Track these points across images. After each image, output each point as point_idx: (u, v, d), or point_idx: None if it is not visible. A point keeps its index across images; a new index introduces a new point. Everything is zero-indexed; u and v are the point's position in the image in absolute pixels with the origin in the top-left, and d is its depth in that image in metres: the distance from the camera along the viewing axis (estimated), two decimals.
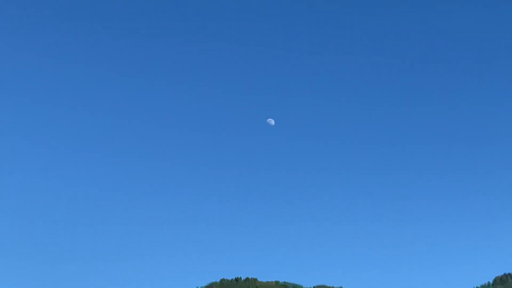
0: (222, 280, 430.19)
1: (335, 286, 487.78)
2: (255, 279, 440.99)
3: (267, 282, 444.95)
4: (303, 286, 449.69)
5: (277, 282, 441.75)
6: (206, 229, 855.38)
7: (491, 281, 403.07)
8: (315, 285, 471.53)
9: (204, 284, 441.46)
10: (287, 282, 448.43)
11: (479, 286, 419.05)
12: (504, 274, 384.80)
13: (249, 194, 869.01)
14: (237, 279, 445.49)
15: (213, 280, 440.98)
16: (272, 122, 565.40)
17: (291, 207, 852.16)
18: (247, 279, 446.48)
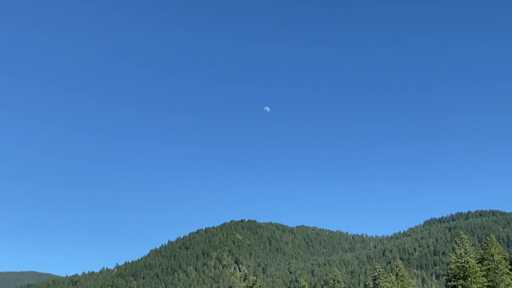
0: (232, 221, 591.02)
1: (311, 226, 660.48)
2: (255, 221, 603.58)
3: (263, 222, 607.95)
4: (288, 225, 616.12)
5: (270, 223, 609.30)
6: (220, 183, 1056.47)
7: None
8: (297, 225, 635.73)
9: (218, 224, 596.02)
10: (277, 223, 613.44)
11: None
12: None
13: (250, 161, 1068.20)
14: (242, 221, 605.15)
15: (225, 221, 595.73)
16: (268, 109, 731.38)
17: (280, 171, 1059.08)
18: (249, 220, 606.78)
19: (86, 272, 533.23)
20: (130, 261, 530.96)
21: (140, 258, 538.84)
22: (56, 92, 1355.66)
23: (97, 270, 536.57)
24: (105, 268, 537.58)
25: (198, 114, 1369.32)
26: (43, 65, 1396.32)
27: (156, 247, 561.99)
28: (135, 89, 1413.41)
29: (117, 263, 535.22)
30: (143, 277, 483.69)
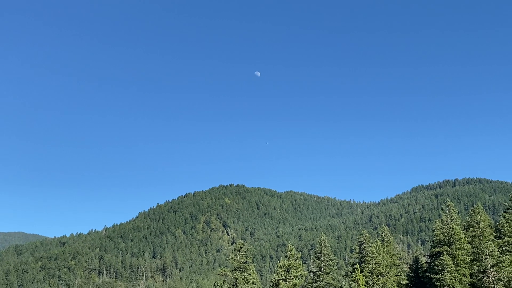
0: (220, 185, 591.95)
1: (299, 191, 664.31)
2: (244, 185, 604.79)
3: (252, 187, 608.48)
4: (276, 190, 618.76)
5: (258, 188, 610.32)
6: (210, 147, 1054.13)
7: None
8: (285, 190, 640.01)
9: (207, 188, 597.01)
10: (266, 188, 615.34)
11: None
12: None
13: (239, 126, 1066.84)
14: (230, 185, 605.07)
15: (214, 185, 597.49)
16: (258, 74, 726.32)
17: (269, 137, 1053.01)
18: (238, 185, 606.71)
19: (74, 234, 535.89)
20: (118, 224, 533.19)
21: (128, 221, 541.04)
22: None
23: (85, 231, 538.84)
24: (93, 230, 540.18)
25: (188, 81, 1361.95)
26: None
27: (144, 210, 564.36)
28: (119, 48, 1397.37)
29: (105, 225, 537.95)
30: (131, 239, 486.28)
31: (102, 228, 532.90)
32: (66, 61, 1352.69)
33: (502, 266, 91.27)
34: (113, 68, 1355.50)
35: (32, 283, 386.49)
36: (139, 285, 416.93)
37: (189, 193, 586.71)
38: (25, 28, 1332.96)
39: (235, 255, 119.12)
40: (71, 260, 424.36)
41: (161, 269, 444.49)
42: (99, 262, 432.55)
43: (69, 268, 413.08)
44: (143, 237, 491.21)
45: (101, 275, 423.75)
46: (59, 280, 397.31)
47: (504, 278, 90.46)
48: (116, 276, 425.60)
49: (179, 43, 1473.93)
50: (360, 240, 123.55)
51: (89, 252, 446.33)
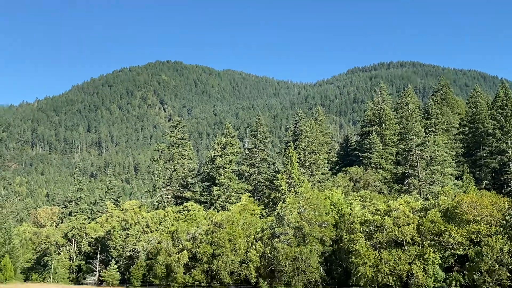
0: (157, 61, 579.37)
1: (238, 70, 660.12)
2: (181, 62, 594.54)
3: (190, 64, 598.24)
4: (215, 69, 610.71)
5: (197, 65, 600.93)
6: (145, 19, 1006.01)
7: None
8: (224, 69, 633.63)
9: (143, 64, 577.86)
10: (204, 66, 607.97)
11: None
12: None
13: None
14: (168, 61, 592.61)
15: (150, 61, 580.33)
16: None
17: (209, 13, 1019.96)
18: (175, 61, 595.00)
19: (5, 105, 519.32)
20: (51, 96, 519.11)
21: (61, 94, 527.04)
22: None
23: (16, 103, 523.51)
24: (25, 101, 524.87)
25: None
26: None
27: (78, 83, 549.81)
28: None
29: (37, 97, 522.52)
30: (65, 113, 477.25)
31: (34, 100, 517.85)
32: None
33: (426, 145, 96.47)
34: None
35: None
36: (74, 158, 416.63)
37: (124, 68, 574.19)
38: None
39: (171, 131, 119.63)
40: (3, 132, 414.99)
41: (96, 143, 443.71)
42: (32, 134, 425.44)
43: (0, 140, 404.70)
44: (77, 110, 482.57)
45: (34, 147, 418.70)
46: None
47: (427, 156, 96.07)
48: (50, 149, 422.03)
49: None
50: (295, 119, 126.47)
51: (21, 124, 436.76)
